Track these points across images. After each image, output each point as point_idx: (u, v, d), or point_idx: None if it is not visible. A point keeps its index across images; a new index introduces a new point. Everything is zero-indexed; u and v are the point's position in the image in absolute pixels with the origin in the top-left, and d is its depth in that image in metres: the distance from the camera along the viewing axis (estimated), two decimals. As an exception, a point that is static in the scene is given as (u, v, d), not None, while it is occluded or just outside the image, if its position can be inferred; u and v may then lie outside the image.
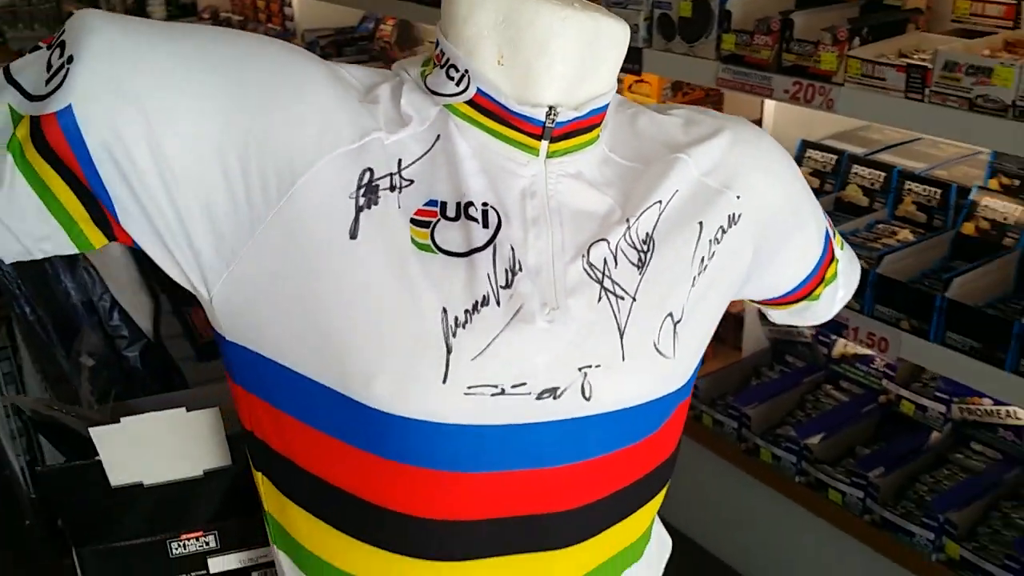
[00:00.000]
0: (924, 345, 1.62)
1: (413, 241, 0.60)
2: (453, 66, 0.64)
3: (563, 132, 0.64)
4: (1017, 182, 1.78)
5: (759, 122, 2.13)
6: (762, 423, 2.00)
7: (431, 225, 0.61)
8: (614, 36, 0.65)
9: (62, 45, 0.57)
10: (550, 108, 0.63)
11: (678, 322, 0.66)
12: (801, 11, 1.77)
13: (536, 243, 0.62)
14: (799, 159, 2.04)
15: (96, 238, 0.60)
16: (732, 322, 2.19)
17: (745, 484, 2.02)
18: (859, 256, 0.96)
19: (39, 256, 0.60)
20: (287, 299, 0.60)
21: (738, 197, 0.70)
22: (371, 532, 0.65)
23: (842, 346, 2.05)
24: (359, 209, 0.59)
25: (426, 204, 0.62)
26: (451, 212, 0.62)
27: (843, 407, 1.99)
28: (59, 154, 0.56)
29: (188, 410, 0.75)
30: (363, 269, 0.59)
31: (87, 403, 1.02)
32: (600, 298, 0.63)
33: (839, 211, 1.94)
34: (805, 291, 0.84)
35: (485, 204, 0.62)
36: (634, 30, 1.92)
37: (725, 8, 1.83)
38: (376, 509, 0.64)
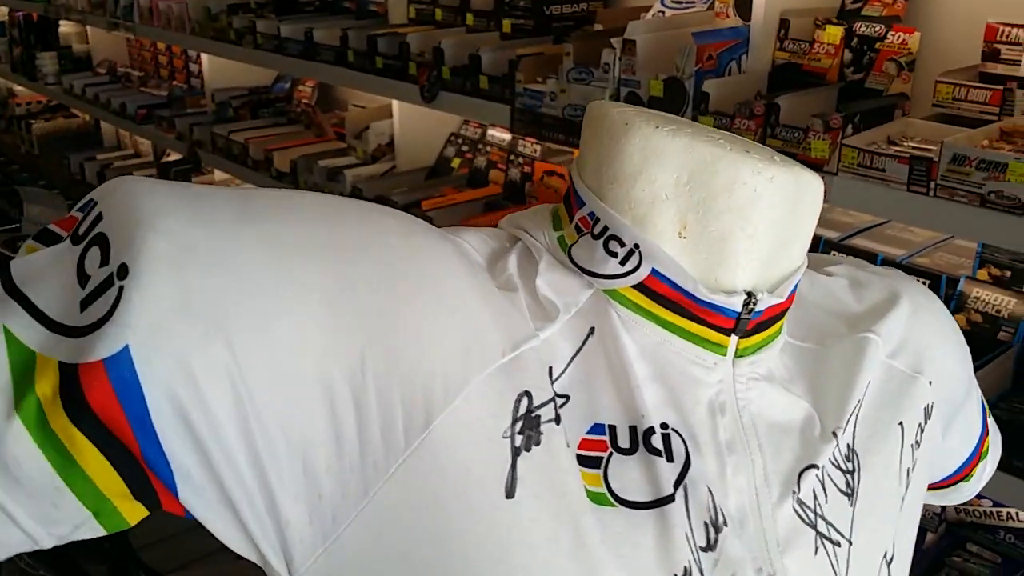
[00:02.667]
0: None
1: (587, 492, 0.43)
2: (615, 238, 0.47)
3: (755, 323, 0.48)
4: (1008, 273, 1.72)
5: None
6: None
7: (602, 463, 0.45)
8: (814, 195, 0.49)
9: (102, 243, 0.37)
10: (748, 294, 0.46)
11: (891, 561, 0.51)
12: (784, 95, 1.67)
13: (735, 479, 0.47)
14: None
15: (134, 514, 0.40)
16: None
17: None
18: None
19: (49, 545, 0.39)
20: None
21: (930, 383, 0.56)
22: None
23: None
24: (515, 453, 0.42)
25: (590, 431, 0.45)
26: (624, 441, 0.46)
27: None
28: (102, 417, 0.36)
29: None
30: (524, 540, 0.42)
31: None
32: (817, 549, 0.47)
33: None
34: (967, 471, 0.70)
35: (665, 426, 0.46)
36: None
37: (702, 90, 1.71)
38: None
